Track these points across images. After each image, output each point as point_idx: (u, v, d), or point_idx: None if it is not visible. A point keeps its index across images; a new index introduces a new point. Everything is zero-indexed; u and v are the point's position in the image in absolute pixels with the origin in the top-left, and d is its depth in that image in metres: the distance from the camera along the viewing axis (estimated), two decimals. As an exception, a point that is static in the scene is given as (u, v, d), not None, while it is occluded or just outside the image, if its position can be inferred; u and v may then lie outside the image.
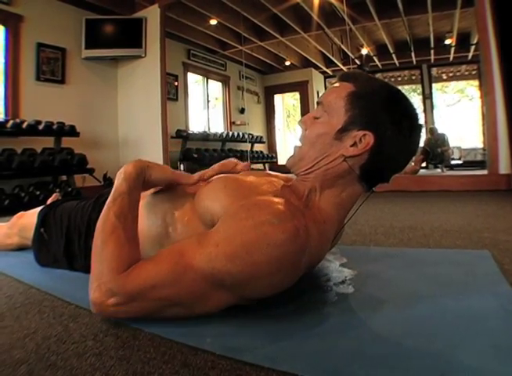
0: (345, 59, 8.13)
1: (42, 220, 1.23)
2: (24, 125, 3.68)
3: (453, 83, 9.20)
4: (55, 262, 1.21)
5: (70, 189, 3.89)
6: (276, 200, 0.79)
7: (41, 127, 3.82)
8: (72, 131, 4.14)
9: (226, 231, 0.74)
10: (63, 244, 1.17)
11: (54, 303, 0.93)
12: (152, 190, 1.05)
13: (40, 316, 0.85)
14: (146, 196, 1.08)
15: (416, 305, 0.87)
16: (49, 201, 1.57)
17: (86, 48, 4.70)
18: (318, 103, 0.88)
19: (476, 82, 8.57)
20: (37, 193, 3.51)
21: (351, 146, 0.82)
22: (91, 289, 0.76)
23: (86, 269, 1.12)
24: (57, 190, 3.49)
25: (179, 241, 0.82)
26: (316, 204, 0.87)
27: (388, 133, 0.82)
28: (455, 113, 9.15)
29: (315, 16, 5.96)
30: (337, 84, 0.88)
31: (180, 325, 0.76)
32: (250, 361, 0.63)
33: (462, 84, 9.26)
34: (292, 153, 0.92)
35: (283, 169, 1.06)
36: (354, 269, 1.14)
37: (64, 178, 4.11)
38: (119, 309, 0.75)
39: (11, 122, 3.59)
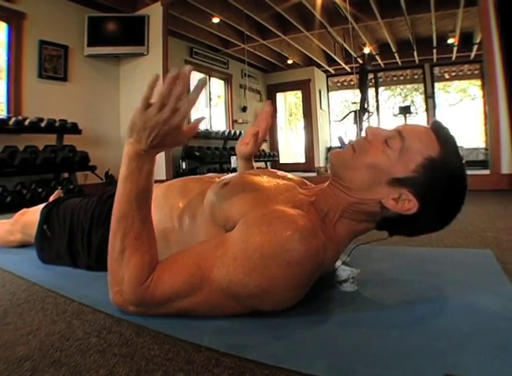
0: (348, 58, 8.12)
1: (45, 217, 1.23)
2: (26, 122, 3.68)
3: (455, 82, 9.19)
4: (57, 258, 1.21)
5: (72, 186, 3.89)
6: (298, 213, 0.78)
7: (43, 124, 3.82)
8: (74, 129, 4.14)
9: (246, 243, 0.73)
10: (65, 241, 1.17)
11: (57, 300, 0.93)
12: (160, 185, 1.05)
13: (43, 313, 0.85)
14: (156, 189, 1.08)
15: (420, 304, 0.87)
16: (52, 198, 1.56)
17: (88, 45, 4.69)
18: (399, 133, 0.81)
19: (478, 82, 8.56)
20: (39, 190, 3.51)
21: (393, 199, 0.80)
22: (112, 291, 0.78)
23: (89, 266, 1.14)
24: (59, 188, 3.49)
25: (195, 247, 0.80)
26: (332, 224, 0.86)
27: (431, 215, 0.81)
28: (457, 112, 9.14)
29: (317, 15, 5.95)
30: (428, 130, 0.81)
31: (183, 322, 0.76)
32: (254, 359, 0.63)
33: (464, 83, 9.24)
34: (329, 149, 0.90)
35: (285, 168, 1.05)
36: (357, 268, 1.14)
37: (66, 175, 4.11)
38: (138, 313, 0.78)
39: (13, 119, 3.59)
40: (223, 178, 0.96)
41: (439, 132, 0.80)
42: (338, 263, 1.18)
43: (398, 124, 0.85)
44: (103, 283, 0.83)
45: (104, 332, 0.73)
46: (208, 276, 0.73)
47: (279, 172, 1.06)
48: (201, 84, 0.73)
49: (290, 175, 1.06)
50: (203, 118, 0.82)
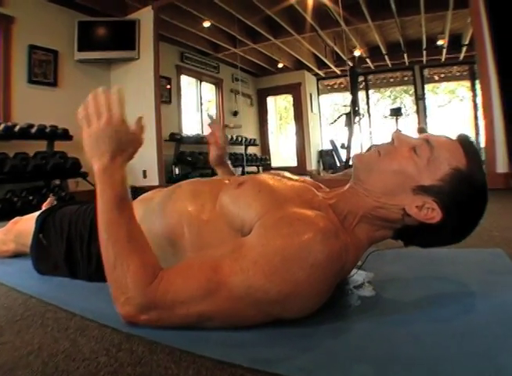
0: (338, 61, 8.15)
1: (41, 225, 1.16)
2: (16, 129, 3.61)
3: (444, 84, 9.26)
4: (55, 269, 1.15)
5: (63, 193, 3.81)
6: (318, 214, 0.75)
7: (33, 130, 3.75)
8: (65, 135, 4.06)
9: (265, 247, 0.69)
10: (63, 251, 1.10)
11: (57, 315, 0.86)
12: (165, 189, 1.03)
13: (43, 330, 0.78)
14: (160, 194, 1.04)
15: (443, 306, 0.84)
16: (44, 206, 1.51)
17: (79, 50, 4.63)
18: (427, 141, 0.79)
19: (467, 83, 8.63)
20: (30, 197, 3.45)
21: (417, 207, 0.78)
22: (119, 303, 0.72)
23: (89, 277, 1.07)
24: (51, 195, 3.41)
25: (210, 252, 0.76)
26: (351, 228, 0.83)
27: (450, 227, 0.80)
28: (446, 113, 9.22)
29: (308, 18, 5.94)
30: (455, 142, 0.80)
31: (200, 336, 0.71)
32: (283, 374, 0.57)
33: (453, 85, 9.33)
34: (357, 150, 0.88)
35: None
36: (370, 272, 1.09)
37: (57, 182, 4.03)
38: (150, 323, 0.72)
39: (2, 125, 3.52)
40: (236, 179, 0.92)
41: (466, 146, 0.80)
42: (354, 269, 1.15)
43: (424, 134, 0.84)
44: (106, 295, 0.76)
45: (113, 350, 0.67)
46: (226, 281, 0.68)
47: (293, 175, 1.03)
48: (118, 91, 0.83)
49: (304, 178, 1.02)
50: (141, 117, 0.89)
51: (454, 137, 0.83)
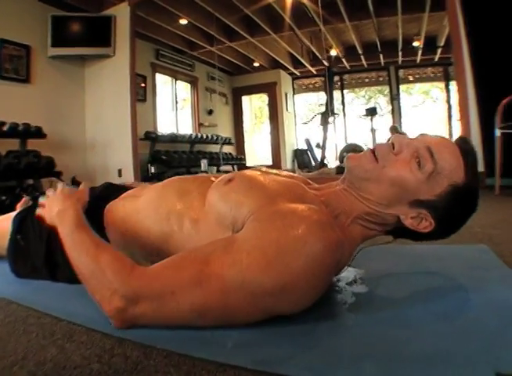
0: (314, 61, 8.20)
1: (18, 225, 1.10)
2: (-14, 127, 3.46)
3: (418, 85, 9.45)
4: (34, 271, 1.08)
5: (37, 193, 3.68)
6: (312, 208, 0.74)
7: (5, 128, 3.61)
8: (38, 133, 3.92)
9: (260, 239, 0.67)
10: (43, 252, 1.05)
11: (41, 320, 0.81)
12: (155, 185, 1.01)
13: (27, 337, 0.72)
14: (147, 192, 1.01)
15: (438, 301, 0.84)
16: (19, 206, 1.44)
17: (52, 46, 4.47)
18: (430, 152, 0.77)
19: (441, 84, 8.84)
20: (3, 198, 3.31)
21: (412, 217, 0.80)
22: (106, 301, 0.69)
23: (71, 279, 1.01)
24: (25, 195, 3.29)
25: (201, 248, 0.73)
26: (344, 226, 0.82)
27: (442, 230, 0.83)
28: (420, 114, 9.42)
29: (286, 17, 5.95)
30: (457, 152, 0.79)
31: (197, 337, 0.67)
32: (289, 374, 0.55)
33: (427, 86, 9.53)
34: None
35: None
36: (360, 268, 1.08)
37: (31, 182, 3.90)
38: (141, 319, 0.69)
39: (-29, 124, 3.37)
40: (224, 176, 0.90)
41: (467, 156, 0.79)
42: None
43: (423, 134, 0.83)
44: (90, 297, 0.73)
45: (106, 356, 0.62)
46: (218, 274, 0.66)
47: (280, 171, 1.02)
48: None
49: (293, 174, 1.02)
50: (88, 185, 1.12)
51: (456, 140, 0.83)
